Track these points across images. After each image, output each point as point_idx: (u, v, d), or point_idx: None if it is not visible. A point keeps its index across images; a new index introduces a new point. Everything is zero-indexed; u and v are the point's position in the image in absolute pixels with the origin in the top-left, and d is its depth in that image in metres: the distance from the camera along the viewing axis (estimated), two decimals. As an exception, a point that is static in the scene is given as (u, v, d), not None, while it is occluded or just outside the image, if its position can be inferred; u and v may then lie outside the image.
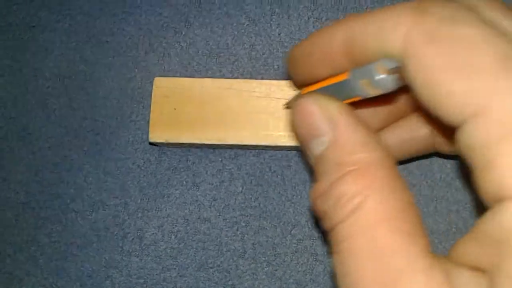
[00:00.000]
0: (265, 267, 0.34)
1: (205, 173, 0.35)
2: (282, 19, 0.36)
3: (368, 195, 0.18)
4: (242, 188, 0.35)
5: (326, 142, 0.20)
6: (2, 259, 0.35)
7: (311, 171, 0.21)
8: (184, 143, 0.34)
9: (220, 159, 0.35)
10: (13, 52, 0.37)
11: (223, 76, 0.36)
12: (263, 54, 0.36)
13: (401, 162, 0.33)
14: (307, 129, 0.21)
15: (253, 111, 0.33)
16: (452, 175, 0.34)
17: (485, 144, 0.16)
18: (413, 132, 0.28)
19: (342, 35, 0.20)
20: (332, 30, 0.21)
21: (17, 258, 0.35)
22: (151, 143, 0.35)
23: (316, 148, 0.20)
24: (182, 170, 0.35)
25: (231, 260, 0.34)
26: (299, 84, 0.25)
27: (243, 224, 0.34)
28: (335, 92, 0.21)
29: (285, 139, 0.33)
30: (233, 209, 0.34)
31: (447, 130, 0.25)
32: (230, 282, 0.34)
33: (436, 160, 0.34)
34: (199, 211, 0.35)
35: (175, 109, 0.34)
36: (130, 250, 0.35)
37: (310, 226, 0.34)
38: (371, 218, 0.18)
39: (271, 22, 0.36)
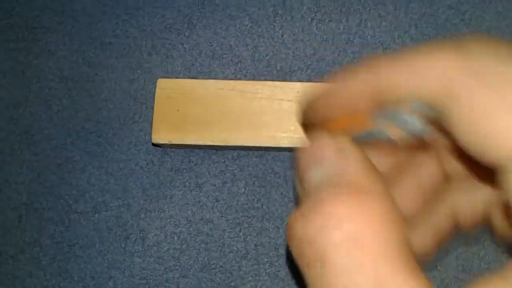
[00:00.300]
0: (268, 268, 0.34)
1: (207, 174, 0.35)
2: (285, 21, 0.36)
3: (364, 224, 0.16)
4: (245, 189, 0.35)
5: (329, 170, 0.18)
6: (5, 260, 0.35)
7: (298, 200, 0.18)
8: (187, 144, 0.34)
9: (223, 160, 0.35)
10: (16, 54, 0.37)
11: (226, 78, 0.36)
12: (266, 55, 0.36)
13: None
14: (312, 154, 0.19)
15: (256, 112, 0.33)
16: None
17: None
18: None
19: (370, 86, 0.18)
20: (358, 80, 0.18)
21: (20, 259, 0.35)
22: (154, 144, 0.35)
23: (315, 175, 0.18)
24: (184, 171, 0.35)
25: (233, 261, 0.34)
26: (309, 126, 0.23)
27: (246, 225, 0.34)
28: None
29: (288, 140, 0.33)
30: (235, 210, 0.35)
31: (482, 176, 0.22)
32: (232, 283, 0.34)
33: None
34: (201, 212, 0.35)
35: (178, 110, 0.34)
36: (133, 251, 0.35)
37: (312, 227, 0.34)
38: (372, 250, 0.15)
39: (274, 24, 0.36)
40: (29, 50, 0.37)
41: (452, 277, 0.33)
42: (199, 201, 0.35)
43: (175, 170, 0.35)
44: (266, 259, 0.34)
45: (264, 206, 0.34)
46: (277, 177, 0.35)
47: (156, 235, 0.35)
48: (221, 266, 0.34)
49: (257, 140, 0.33)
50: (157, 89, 0.34)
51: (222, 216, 0.35)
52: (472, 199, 0.22)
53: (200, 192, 0.35)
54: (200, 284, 0.34)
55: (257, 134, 0.33)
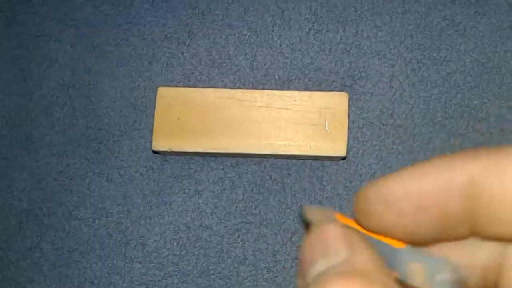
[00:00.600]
0: (266, 274, 0.34)
1: (206, 181, 0.36)
2: (283, 31, 0.37)
3: None
4: (243, 196, 0.35)
5: (336, 259, 0.16)
6: (6, 266, 0.36)
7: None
8: (186, 152, 0.34)
9: (221, 167, 0.36)
10: (18, 62, 0.38)
11: (225, 86, 0.36)
12: (265, 64, 0.36)
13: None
14: (321, 247, 0.17)
15: (255, 120, 0.34)
16: None
17: None
18: None
19: (467, 170, 0.15)
20: (451, 163, 0.16)
21: (20, 265, 0.36)
22: (154, 152, 0.35)
23: (321, 266, 0.16)
24: (184, 178, 0.36)
25: (232, 266, 0.35)
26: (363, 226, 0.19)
27: (244, 232, 0.35)
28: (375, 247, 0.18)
29: (286, 148, 0.34)
30: (234, 217, 0.35)
31: None
32: (231, 289, 0.34)
33: None
34: (200, 218, 0.35)
35: (178, 118, 0.34)
36: (133, 257, 0.35)
37: (310, 234, 0.35)
38: None
39: (273, 34, 0.37)
40: (31, 58, 0.38)
41: None
42: (198, 208, 0.35)
43: (175, 177, 0.36)
44: (264, 265, 0.34)
45: (262, 213, 0.35)
46: (275, 184, 0.35)
47: (155, 241, 0.35)
48: (220, 272, 0.35)
49: (255, 148, 0.34)
50: (157, 97, 0.34)
51: (220, 222, 0.35)
52: None
53: (199, 198, 0.35)
54: (199, 290, 0.34)
55: (255, 142, 0.34)
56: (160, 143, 0.34)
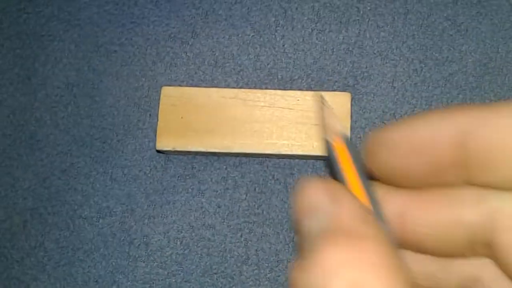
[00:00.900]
0: (268, 273, 0.35)
1: (210, 181, 0.36)
2: (286, 31, 0.37)
3: (363, 271, 0.15)
4: (246, 196, 0.35)
5: (325, 218, 0.17)
6: (10, 265, 0.36)
7: (298, 250, 0.18)
8: (190, 151, 0.34)
9: (224, 167, 0.36)
10: (22, 61, 0.38)
11: (228, 86, 0.37)
12: (268, 64, 0.37)
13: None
14: (307, 203, 0.18)
15: (258, 120, 0.34)
16: None
17: None
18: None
19: (461, 120, 0.17)
20: (445, 114, 0.18)
21: (24, 263, 0.36)
22: (158, 151, 0.36)
23: (310, 224, 0.18)
24: (187, 177, 0.36)
25: (235, 266, 0.35)
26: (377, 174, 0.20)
27: (247, 231, 0.35)
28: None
29: (288, 147, 0.34)
30: (237, 216, 0.35)
31: None
32: (234, 288, 0.34)
33: None
34: (204, 217, 0.35)
35: (181, 117, 0.34)
36: (137, 256, 0.35)
37: (312, 233, 0.35)
38: None
39: (276, 34, 0.37)
40: (35, 58, 0.38)
41: None
42: (201, 207, 0.35)
43: (178, 177, 0.36)
44: (266, 264, 0.35)
45: (264, 212, 0.35)
46: (278, 184, 0.35)
47: (159, 240, 0.35)
48: (223, 271, 0.35)
49: (258, 147, 0.34)
50: (161, 97, 0.35)
51: (223, 221, 0.35)
52: None
53: (203, 198, 0.36)
54: (202, 288, 0.35)
55: (258, 141, 0.34)
56: (164, 143, 0.34)
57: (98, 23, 0.38)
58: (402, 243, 0.20)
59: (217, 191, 0.36)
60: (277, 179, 0.36)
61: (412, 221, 0.19)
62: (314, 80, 0.36)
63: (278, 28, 0.37)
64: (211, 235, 0.35)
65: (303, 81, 0.36)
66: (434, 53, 0.36)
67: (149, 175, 0.36)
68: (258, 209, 0.35)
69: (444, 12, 0.36)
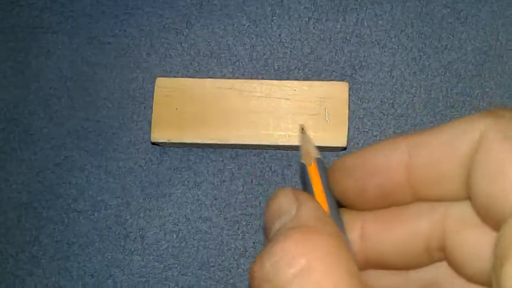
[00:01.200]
0: (266, 266, 0.34)
1: (206, 173, 0.35)
2: (282, 20, 0.36)
3: (313, 258, 0.17)
4: (243, 188, 0.35)
5: (288, 218, 0.19)
6: (5, 259, 0.36)
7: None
8: (185, 143, 0.34)
9: (221, 159, 0.35)
10: (15, 54, 0.38)
11: (224, 77, 0.36)
12: (264, 54, 0.36)
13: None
14: (276, 208, 0.20)
15: (254, 111, 0.34)
16: None
17: None
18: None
19: (407, 144, 0.19)
20: (395, 140, 0.20)
21: (19, 258, 0.35)
22: (153, 143, 0.35)
23: (277, 226, 0.20)
24: (183, 169, 0.35)
25: (232, 258, 0.34)
26: (341, 198, 0.23)
27: (244, 223, 0.35)
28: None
29: (285, 138, 0.33)
30: (234, 208, 0.35)
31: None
32: (231, 281, 0.34)
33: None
34: (200, 210, 0.35)
35: (176, 109, 0.34)
36: (132, 249, 0.35)
37: (310, 225, 0.34)
38: (322, 281, 0.16)
39: (272, 23, 0.36)
40: (28, 50, 0.38)
41: None
42: (197, 200, 0.35)
43: (174, 169, 0.35)
44: (264, 257, 0.34)
45: (262, 204, 0.35)
46: (275, 175, 0.35)
47: (155, 233, 0.35)
48: (220, 264, 0.34)
49: (255, 139, 0.33)
50: (156, 88, 0.34)
51: (220, 214, 0.35)
52: None
53: (199, 190, 0.35)
54: (199, 282, 0.34)
55: (255, 133, 0.33)
56: (159, 134, 0.34)
57: (91, 15, 0.38)
58: (364, 263, 0.21)
59: (213, 183, 0.35)
60: (275, 170, 0.35)
61: (373, 241, 0.21)
62: (311, 70, 0.36)
63: (274, 17, 0.36)
64: (207, 228, 0.35)
65: (300, 71, 0.36)
66: (433, 41, 0.35)
67: (144, 167, 0.36)
68: (255, 201, 0.35)
69: (443, 0, 0.36)
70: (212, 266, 0.34)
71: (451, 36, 0.35)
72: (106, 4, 0.38)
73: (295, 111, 0.34)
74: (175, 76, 0.36)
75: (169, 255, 0.35)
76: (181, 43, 0.37)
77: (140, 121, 0.36)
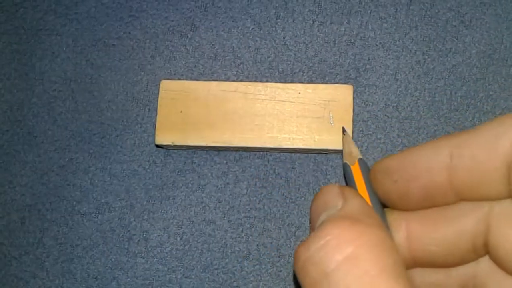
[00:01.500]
0: (270, 269, 0.34)
1: (210, 175, 0.35)
2: (287, 23, 0.36)
3: (360, 246, 0.17)
4: (247, 190, 0.35)
5: (334, 210, 0.20)
6: (8, 262, 0.35)
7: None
8: (189, 145, 0.34)
9: (225, 161, 0.35)
10: (19, 56, 0.38)
11: (228, 79, 0.36)
12: (268, 57, 0.36)
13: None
14: (322, 203, 0.21)
15: (258, 113, 0.34)
16: None
17: None
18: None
19: (448, 146, 0.20)
20: (436, 143, 0.20)
21: (23, 260, 0.35)
22: (157, 146, 0.35)
23: (324, 217, 0.20)
24: (187, 172, 0.35)
25: (235, 261, 0.34)
26: (382, 198, 0.24)
27: (248, 226, 0.35)
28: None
29: (290, 141, 0.33)
30: (237, 211, 0.35)
31: None
32: (235, 283, 0.34)
33: None
34: (204, 213, 0.35)
35: (181, 111, 0.34)
36: (136, 252, 0.35)
37: (314, 228, 0.34)
38: (369, 268, 0.17)
39: (276, 26, 0.36)
40: (32, 52, 0.38)
41: None
42: (201, 202, 0.35)
43: (178, 171, 0.35)
44: (268, 260, 0.34)
45: (265, 207, 0.35)
46: (279, 178, 0.35)
47: (159, 235, 0.35)
48: (223, 267, 0.34)
49: (259, 141, 0.33)
50: (160, 91, 0.34)
51: (224, 216, 0.35)
52: None
53: (203, 193, 0.35)
54: (203, 285, 0.34)
55: (259, 135, 0.33)
56: (163, 137, 0.34)
57: (95, 17, 0.38)
58: (411, 263, 0.22)
59: (217, 186, 0.35)
60: (278, 173, 0.35)
61: (419, 241, 0.21)
62: (316, 73, 0.36)
63: (278, 20, 0.37)
64: (211, 231, 0.35)
65: (304, 74, 0.36)
66: (437, 44, 0.35)
67: (148, 170, 0.36)
68: (259, 203, 0.35)
69: (448, 3, 0.36)
70: (216, 269, 0.34)
71: (455, 39, 0.35)
72: (110, 6, 0.38)
73: (299, 114, 0.34)
74: (179, 79, 0.36)
75: (172, 257, 0.35)
76: (185, 46, 0.37)
77: (144, 124, 0.36)
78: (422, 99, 0.35)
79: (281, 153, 0.35)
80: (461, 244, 0.21)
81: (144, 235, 0.35)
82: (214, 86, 0.34)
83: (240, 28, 0.37)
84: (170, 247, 0.35)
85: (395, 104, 0.35)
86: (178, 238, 0.35)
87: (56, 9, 0.38)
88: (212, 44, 0.37)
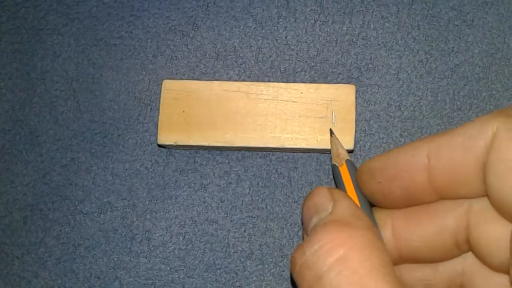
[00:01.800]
0: (272, 268, 0.34)
1: (212, 175, 0.35)
2: (288, 22, 0.36)
3: (349, 249, 0.18)
4: (249, 190, 0.35)
5: (325, 213, 0.21)
6: (11, 261, 0.35)
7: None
8: (192, 145, 0.34)
9: (227, 161, 0.35)
10: (21, 56, 0.38)
11: (230, 79, 0.36)
12: (270, 56, 0.36)
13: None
14: (313, 205, 0.22)
15: (261, 113, 0.34)
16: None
17: None
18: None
19: (426, 147, 0.21)
20: (415, 144, 0.21)
21: (25, 260, 0.35)
22: (159, 145, 0.35)
23: (315, 220, 0.21)
24: (189, 171, 0.35)
25: (238, 261, 0.34)
26: (369, 198, 0.25)
27: (250, 226, 0.35)
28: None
29: (292, 141, 0.33)
30: (240, 211, 0.35)
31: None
32: (237, 283, 0.34)
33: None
34: (206, 212, 0.35)
35: (183, 111, 0.34)
36: (138, 252, 0.35)
37: (317, 228, 0.34)
38: (359, 268, 0.18)
39: (278, 25, 0.36)
40: (34, 52, 0.38)
41: None
42: (204, 202, 0.35)
43: (180, 171, 0.35)
44: (270, 259, 0.34)
45: (268, 207, 0.35)
46: (281, 178, 0.35)
47: (161, 235, 0.35)
48: (226, 267, 0.34)
49: (261, 141, 0.33)
50: (162, 90, 0.34)
51: (227, 216, 0.35)
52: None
53: (205, 192, 0.35)
54: (206, 284, 0.34)
55: (261, 135, 0.33)
56: (165, 137, 0.34)
57: (97, 16, 0.38)
58: (398, 259, 0.23)
59: (219, 186, 0.35)
60: (281, 173, 0.35)
61: (404, 238, 0.23)
62: (318, 73, 0.36)
63: (280, 19, 0.36)
64: (214, 230, 0.35)
65: (306, 74, 0.36)
66: (439, 44, 0.35)
67: (150, 169, 0.36)
68: (261, 203, 0.35)
69: (450, 2, 0.36)
70: (219, 269, 0.34)
71: (457, 39, 0.35)
72: (112, 6, 0.38)
73: (302, 113, 0.33)
74: (181, 78, 0.36)
75: (175, 257, 0.35)
76: (187, 45, 0.37)
77: (147, 123, 0.36)
78: (425, 98, 0.35)
79: (284, 153, 0.35)
80: (443, 240, 0.22)
81: (147, 235, 0.35)
82: (216, 86, 0.34)
83: (242, 27, 0.37)
84: (172, 247, 0.35)
85: (398, 104, 0.35)
86: (181, 238, 0.35)
87: (57, 8, 0.38)
88: (214, 44, 0.36)
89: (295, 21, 0.36)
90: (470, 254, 0.22)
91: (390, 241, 0.23)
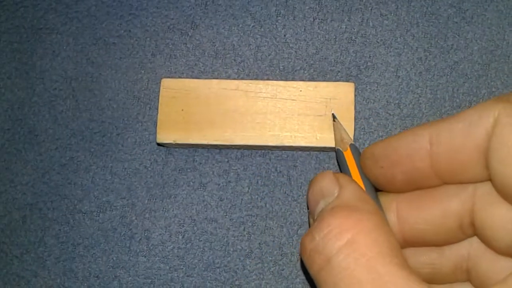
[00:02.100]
0: (272, 267, 0.34)
1: (211, 174, 0.35)
2: (287, 20, 0.36)
3: (357, 233, 0.19)
4: (249, 189, 0.35)
5: (331, 198, 0.22)
6: (10, 261, 0.35)
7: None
8: (191, 144, 0.34)
9: (226, 160, 0.35)
10: (20, 55, 0.38)
11: (229, 77, 0.36)
12: (269, 55, 0.36)
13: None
14: (319, 190, 0.22)
15: (259, 111, 0.34)
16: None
17: None
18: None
19: (427, 133, 0.21)
20: (416, 130, 0.21)
21: (24, 259, 0.35)
22: (158, 144, 0.35)
23: (321, 205, 0.22)
24: (188, 170, 0.35)
25: (237, 260, 0.34)
26: (373, 181, 0.25)
27: (250, 224, 0.34)
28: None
29: (291, 139, 0.33)
30: (239, 209, 0.35)
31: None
32: (237, 282, 0.34)
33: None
34: (206, 211, 0.35)
35: (182, 110, 0.34)
36: (138, 251, 0.35)
37: (316, 226, 0.34)
38: (367, 251, 0.18)
39: (277, 24, 0.36)
40: (33, 51, 0.38)
41: None
42: (203, 201, 0.35)
43: (179, 170, 0.35)
44: (270, 258, 0.34)
45: (267, 205, 0.35)
46: (281, 176, 0.35)
47: (160, 234, 0.35)
48: (226, 265, 0.34)
49: (260, 139, 0.33)
50: (161, 89, 0.34)
51: (226, 215, 0.35)
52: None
53: (204, 191, 0.35)
54: (205, 283, 0.34)
55: (260, 133, 0.33)
56: (164, 135, 0.34)
57: (96, 16, 0.38)
58: (403, 242, 0.23)
59: (219, 184, 0.35)
60: (280, 171, 0.35)
61: (409, 221, 0.23)
62: (317, 71, 0.36)
63: (279, 17, 0.36)
64: (213, 229, 0.35)
65: (305, 72, 0.36)
66: (439, 41, 0.35)
67: (149, 168, 0.36)
68: (261, 202, 0.35)
69: (449, -1, 0.36)
70: (218, 267, 0.34)
71: (457, 36, 0.35)
72: (110, 5, 0.38)
73: (301, 111, 0.33)
74: (180, 77, 0.36)
75: (174, 256, 0.35)
76: (186, 44, 0.37)
77: (145, 122, 0.36)
78: (424, 96, 0.35)
79: (283, 151, 0.35)
80: (448, 223, 0.22)
81: (146, 234, 0.35)
82: (215, 84, 0.34)
83: (240, 26, 0.36)
84: (171, 246, 0.35)
85: (397, 102, 0.35)
86: (180, 237, 0.35)
87: (56, 7, 0.38)
88: (213, 42, 0.36)
89: (293, 19, 0.36)
90: (475, 238, 0.22)
91: (395, 225, 0.23)
